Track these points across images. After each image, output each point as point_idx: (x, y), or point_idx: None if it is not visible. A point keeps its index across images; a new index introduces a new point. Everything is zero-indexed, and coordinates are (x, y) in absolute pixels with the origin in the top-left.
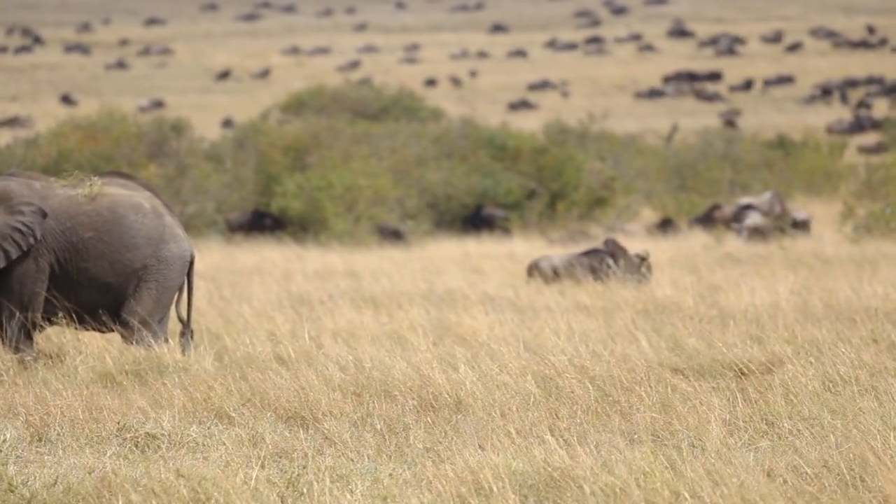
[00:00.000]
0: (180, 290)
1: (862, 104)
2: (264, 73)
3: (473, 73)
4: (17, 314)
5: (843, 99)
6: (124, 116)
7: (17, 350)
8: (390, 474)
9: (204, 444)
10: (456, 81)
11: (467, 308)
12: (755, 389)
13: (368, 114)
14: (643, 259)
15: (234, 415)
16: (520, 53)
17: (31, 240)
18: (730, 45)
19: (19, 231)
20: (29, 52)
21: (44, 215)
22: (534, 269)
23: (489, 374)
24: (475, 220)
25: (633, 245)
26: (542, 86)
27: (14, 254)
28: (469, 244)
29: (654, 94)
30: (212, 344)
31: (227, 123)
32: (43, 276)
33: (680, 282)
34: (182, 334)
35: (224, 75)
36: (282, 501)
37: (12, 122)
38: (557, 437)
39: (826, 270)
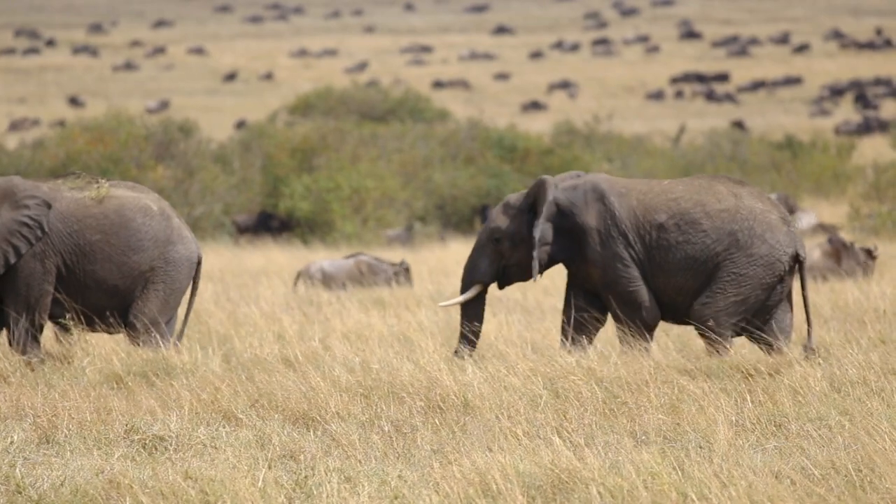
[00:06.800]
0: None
1: (869, 105)
2: (271, 75)
3: (481, 75)
4: (24, 316)
5: (861, 100)
6: (132, 118)
7: (24, 352)
8: (398, 476)
9: (212, 446)
10: (464, 83)
11: None
12: (763, 391)
13: (375, 115)
14: (870, 252)
15: (241, 416)
16: (528, 55)
17: (39, 232)
18: (743, 47)
19: (27, 225)
20: (36, 54)
21: (49, 206)
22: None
23: (497, 375)
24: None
25: None
26: (562, 86)
27: (24, 248)
28: None
29: (661, 95)
30: (220, 345)
31: (241, 125)
32: (50, 279)
33: None
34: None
35: (231, 77)
36: (289, 503)
37: (18, 124)
38: (565, 438)
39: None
